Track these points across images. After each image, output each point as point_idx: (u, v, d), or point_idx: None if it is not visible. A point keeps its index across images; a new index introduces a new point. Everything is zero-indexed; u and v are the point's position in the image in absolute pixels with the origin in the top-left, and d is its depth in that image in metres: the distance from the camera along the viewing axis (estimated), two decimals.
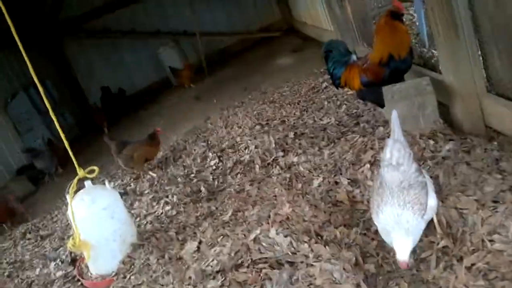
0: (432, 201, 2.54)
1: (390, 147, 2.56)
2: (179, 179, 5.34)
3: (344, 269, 2.73)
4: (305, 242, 2.98)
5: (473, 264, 2.35)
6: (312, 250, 2.88)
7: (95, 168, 3.90)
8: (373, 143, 3.88)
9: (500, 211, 2.55)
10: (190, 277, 3.11)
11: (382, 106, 4.19)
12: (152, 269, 3.49)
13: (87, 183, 4.03)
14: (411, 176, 2.50)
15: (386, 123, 4.16)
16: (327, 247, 2.89)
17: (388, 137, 3.84)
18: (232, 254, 3.07)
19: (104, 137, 6.68)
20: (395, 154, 2.54)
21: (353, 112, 4.99)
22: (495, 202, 2.64)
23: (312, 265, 2.74)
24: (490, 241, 2.41)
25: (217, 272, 3.00)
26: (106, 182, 4.03)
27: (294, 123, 5.41)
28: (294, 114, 5.76)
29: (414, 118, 3.69)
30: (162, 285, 3.23)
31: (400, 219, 2.44)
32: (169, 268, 3.36)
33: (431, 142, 3.50)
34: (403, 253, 2.40)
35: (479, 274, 2.27)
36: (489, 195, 2.73)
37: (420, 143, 3.52)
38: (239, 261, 2.97)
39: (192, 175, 5.37)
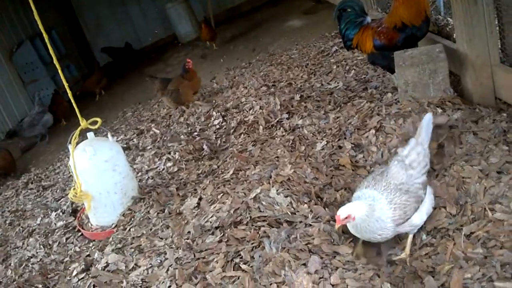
0: (418, 219, 2.45)
1: (411, 146, 2.52)
2: (182, 137, 5.32)
3: (342, 231, 2.75)
4: (305, 203, 2.99)
5: (472, 232, 2.35)
6: (311, 211, 2.89)
7: (98, 119, 3.87)
8: (380, 109, 3.82)
9: (503, 182, 2.53)
10: (189, 232, 3.13)
11: (392, 71, 4.10)
12: (152, 223, 3.52)
13: (90, 135, 4.01)
14: (414, 184, 2.44)
15: (395, 89, 4.08)
16: (326, 209, 2.90)
17: (396, 103, 3.83)
18: (232, 212, 3.08)
19: (146, 78, 6.69)
20: (413, 155, 2.49)
21: (362, 77, 4.91)
22: (499, 173, 2.61)
23: (311, 225, 2.75)
24: (491, 210, 2.40)
25: (216, 228, 3.02)
26: (109, 135, 4.01)
27: (301, 86, 5.33)
28: (302, 77, 5.67)
29: (424, 86, 3.62)
30: (161, 238, 3.26)
31: (376, 203, 2.37)
32: (168, 222, 3.39)
33: (439, 110, 3.43)
34: (345, 209, 2.32)
35: (478, 242, 2.26)
36: (493, 166, 2.70)
37: (427, 111, 3.46)
38: (238, 219, 2.98)
39: (195, 133, 5.35)
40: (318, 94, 4.80)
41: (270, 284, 2.36)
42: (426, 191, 2.49)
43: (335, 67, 5.54)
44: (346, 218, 2.33)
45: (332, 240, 2.60)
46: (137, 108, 8.10)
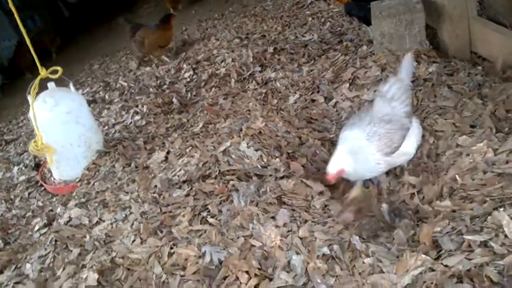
0: (409, 147, 2.46)
1: (391, 83, 2.47)
2: (150, 90, 5.12)
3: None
4: (276, 157, 2.90)
5: (442, 186, 2.32)
6: (283, 165, 2.81)
7: (59, 68, 3.63)
8: (355, 61, 3.72)
9: (476, 135, 2.49)
10: (155, 186, 3.02)
11: (369, 23, 3.96)
12: (117, 177, 3.39)
13: (50, 85, 3.77)
14: (396, 114, 2.42)
15: (370, 42, 3.96)
16: (296, 162, 2.82)
17: (371, 55, 3.73)
18: (200, 165, 2.97)
19: (119, 18, 6.39)
20: (393, 90, 2.45)
21: (337, 30, 4.76)
22: (472, 126, 2.57)
23: (281, 178, 2.68)
24: (462, 164, 2.36)
25: (184, 182, 2.91)
26: (71, 85, 3.79)
27: (274, 38, 5.15)
28: (276, 29, 5.48)
29: (400, 38, 3.51)
30: (127, 192, 3.14)
31: (356, 141, 2.36)
32: (134, 176, 3.26)
33: (414, 63, 3.34)
34: (334, 165, 2.35)
35: (448, 195, 2.24)
36: (467, 119, 2.66)
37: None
38: (207, 172, 2.88)
39: (165, 86, 5.15)
40: (292, 47, 4.65)
41: (238, 238, 2.29)
42: (412, 120, 2.50)
43: (310, 19, 5.36)
44: (337, 174, 2.36)
45: (304, 194, 2.54)
46: (104, 61, 7.76)
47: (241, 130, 3.22)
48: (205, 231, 2.44)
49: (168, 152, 3.39)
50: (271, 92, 3.89)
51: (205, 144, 3.20)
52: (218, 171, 2.83)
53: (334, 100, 3.50)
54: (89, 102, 5.54)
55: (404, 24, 3.45)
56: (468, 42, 3.52)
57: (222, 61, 4.96)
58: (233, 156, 2.91)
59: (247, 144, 3.01)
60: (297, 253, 2.11)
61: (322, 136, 3.11)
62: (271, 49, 4.66)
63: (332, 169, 2.36)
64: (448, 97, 2.89)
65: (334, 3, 5.58)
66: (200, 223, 2.51)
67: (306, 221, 2.29)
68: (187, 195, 2.79)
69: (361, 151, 2.34)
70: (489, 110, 2.64)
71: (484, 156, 2.30)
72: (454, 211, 2.11)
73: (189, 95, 4.70)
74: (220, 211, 2.54)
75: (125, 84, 5.66)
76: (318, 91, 3.65)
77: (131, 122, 4.52)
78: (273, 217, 2.34)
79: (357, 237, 2.06)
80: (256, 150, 2.94)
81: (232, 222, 2.40)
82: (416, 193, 2.39)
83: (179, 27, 7.59)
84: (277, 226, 2.25)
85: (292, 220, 2.30)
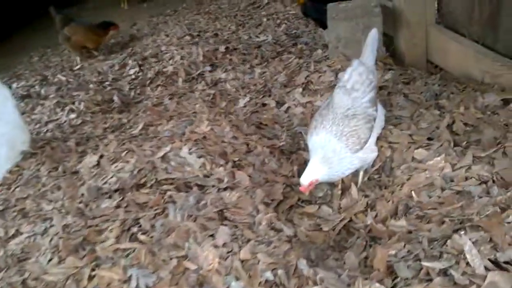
0: (375, 139, 2.31)
1: (352, 68, 2.25)
2: (91, 86, 4.71)
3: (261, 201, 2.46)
4: (221, 165, 2.63)
5: (397, 202, 2.13)
6: (227, 174, 2.54)
7: None
8: (309, 65, 3.52)
9: (433, 149, 2.33)
10: (82, 194, 2.67)
11: (325, 26, 3.78)
12: (42, 182, 3.00)
13: None
14: (361, 105, 2.22)
15: (326, 47, 3.79)
16: (242, 171, 2.57)
17: (326, 60, 3.54)
18: (135, 172, 2.65)
19: (51, 8, 5.87)
20: (354, 77, 2.23)
21: (293, 32, 4.57)
22: (429, 139, 2.42)
23: (225, 189, 2.41)
24: (418, 179, 2.19)
25: (115, 191, 2.58)
26: None
27: (227, 37, 4.89)
28: (229, 28, 5.22)
29: (356, 43, 3.33)
30: (50, 201, 2.77)
31: (328, 146, 2.16)
32: (60, 182, 2.89)
33: (380, 38, 3.18)
34: (306, 177, 2.16)
35: (403, 214, 2.05)
36: (423, 131, 2.50)
37: None
38: (142, 180, 2.57)
39: (107, 82, 4.75)
40: (245, 47, 4.41)
41: (170, 259, 2.00)
42: (377, 107, 2.32)
43: (265, 20, 5.15)
44: (310, 185, 2.18)
45: (249, 209, 2.28)
46: (45, 53, 7.20)
47: (183, 134, 2.93)
48: (133, 250, 2.12)
49: (101, 156, 3.04)
50: (220, 94, 3.62)
51: (143, 148, 2.88)
52: (154, 180, 2.53)
53: (286, 105, 3.27)
54: (23, 97, 5.06)
55: (361, 28, 3.28)
56: (424, 51, 3.41)
57: (170, 58, 4.64)
58: (173, 163, 2.61)
59: (189, 149, 2.72)
60: (237, 279, 1.84)
61: (271, 144, 2.87)
62: (222, 48, 4.40)
63: (305, 180, 2.16)
64: (404, 106, 2.73)
65: (290, 4, 5.40)
66: (129, 240, 2.20)
67: (249, 240, 2.03)
68: (117, 206, 2.46)
69: (334, 155, 2.16)
70: (446, 122, 2.49)
71: (441, 171, 2.13)
72: (410, 232, 1.92)
73: (132, 93, 4.35)
74: (153, 226, 2.23)
75: (64, 78, 5.20)
76: (270, 95, 3.43)
77: (65, 121, 4.10)
78: (212, 235, 2.06)
79: (304, 261, 1.82)
80: (199, 157, 2.66)
81: (166, 240, 2.10)
82: (369, 210, 2.19)
83: (128, 21, 7.18)
84: (216, 246, 1.98)
85: (233, 239, 2.03)
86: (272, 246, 1.99)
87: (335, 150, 2.16)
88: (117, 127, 3.63)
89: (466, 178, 2.07)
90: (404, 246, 1.81)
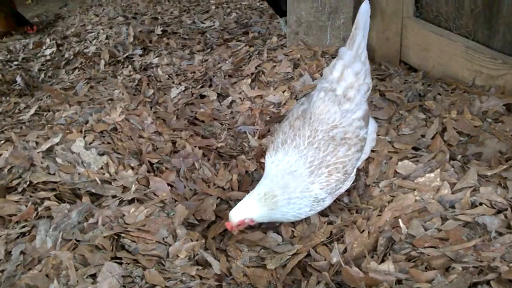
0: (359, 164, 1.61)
1: (345, 62, 1.52)
2: None
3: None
4: (131, 167, 1.88)
5: (377, 235, 1.48)
6: (137, 181, 1.79)
7: None
8: (261, 53, 2.86)
9: (422, 162, 1.71)
10: None
11: (282, 14, 3.16)
12: None
13: None
14: (351, 123, 1.50)
15: (281, 36, 3.16)
16: (162, 177, 1.83)
17: (282, 48, 2.89)
18: (5, 170, 1.84)
19: None
20: (349, 78, 1.51)
21: (244, 21, 3.92)
22: (415, 149, 1.81)
23: (130, 202, 1.66)
24: (404, 202, 1.56)
25: None
26: None
27: (167, 21, 4.15)
28: (172, 13, 4.48)
29: (320, 29, 2.73)
30: None
31: (285, 179, 1.46)
32: None
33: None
34: (237, 214, 1.46)
35: (389, 255, 1.40)
36: (407, 138, 1.90)
37: (321, 61, 2.58)
38: (13, 182, 1.76)
39: (15, 62, 3.87)
40: (187, 32, 3.70)
41: None
42: (369, 125, 1.61)
43: (213, 7, 4.47)
44: (240, 225, 1.47)
45: (161, 235, 1.53)
46: None
47: (86, 122, 2.15)
48: None
49: None
50: (147, 80, 2.87)
51: (27, 139, 2.06)
52: (28, 182, 1.73)
53: (229, 99, 2.59)
54: None
55: (327, 11, 2.68)
56: (398, 48, 2.86)
57: (94, 38, 3.83)
58: (59, 160, 1.82)
59: (89, 143, 1.95)
60: None
61: (206, 144, 2.16)
62: (159, 31, 3.67)
63: (235, 217, 1.46)
64: (380, 106, 2.13)
65: None
66: None
67: (153, 286, 1.29)
68: None
69: (283, 193, 1.44)
70: (434, 129, 1.90)
71: (436, 193, 1.52)
72: (400, 281, 1.26)
73: (42, 75, 3.51)
74: (9, 253, 1.44)
75: None
76: (211, 85, 2.72)
77: None
78: (94, 275, 1.30)
79: None
80: (101, 155, 1.89)
81: (22, 278, 1.32)
82: (335, 242, 1.52)
83: (60, 2, 6.26)
84: None
85: (127, 283, 1.29)
86: None
87: (297, 187, 1.45)
88: (10, 113, 2.79)
89: (474, 204, 1.46)
90: None
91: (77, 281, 1.27)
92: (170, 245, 1.49)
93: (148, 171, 1.90)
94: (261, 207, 1.44)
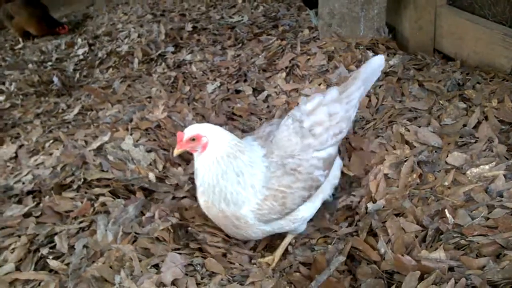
0: (306, 211, 1.58)
1: (321, 101, 1.56)
2: (29, 65, 3.92)
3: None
4: (178, 164, 1.95)
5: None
6: (188, 177, 1.86)
7: None
8: (294, 47, 2.88)
9: (473, 152, 1.71)
10: None
11: (311, 5, 3.17)
12: None
13: None
14: (309, 160, 1.51)
15: (312, 28, 3.17)
16: None
17: (316, 41, 2.91)
18: (58, 168, 1.93)
19: None
20: (319, 115, 1.55)
21: (272, 15, 3.92)
22: (461, 137, 1.82)
23: (182, 198, 1.73)
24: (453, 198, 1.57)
25: (28, 193, 1.85)
26: None
27: (196, 17, 4.20)
28: (199, 8, 4.53)
29: (353, 20, 2.74)
30: None
31: (231, 197, 1.44)
32: None
33: (370, 53, 2.59)
34: (193, 128, 1.49)
35: (435, 241, 1.43)
36: (449, 128, 1.90)
37: (355, 53, 2.60)
38: (66, 180, 1.85)
39: (49, 62, 3.99)
40: (217, 27, 3.74)
41: None
42: (330, 171, 1.59)
43: (240, 1, 4.48)
44: (193, 140, 1.45)
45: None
46: None
47: (131, 120, 2.22)
48: (39, 284, 1.41)
49: (20, 146, 2.30)
50: (183, 77, 2.94)
51: (74, 138, 2.15)
52: (83, 180, 1.81)
53: (265, 93, 2.63)
54: None
55: (360, 2, 2.68)
56: (432, 37, 2.84)
57: (126, 37, 3.91)
58: (111, 158, 1.90)
59: (136, 140, 2.02)
60: None
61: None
62: (189, 27, 3.72)
63: (190, 130, 1.48)
64: (420, 96, 2.13)
65: None
66: (35, 267, 1.49)
67: (213, 275, 1.35)
68: (28, 214, 1.74)
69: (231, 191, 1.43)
70: (476, 118, 1.90)
71: (490, 182, 1.53)
72: (452, 268, 1.29)
73: (77, 75, 3.60)
74: (72, 247, 1.53)
75: None
76: (245, 80, 2.77)
77: None
78: (157, 266, 1.37)
79: None
80: (149, 151, 1.96)
81: (88, 270, 1.40)
82: (380, 236, 1.55)
83: (86, 1, 6.38)
84: (161, 284, 1.30)
85: (189, 272, 1.35)
86: (248, 283, 1.33)
87: (233, 201, 1.43)
88: (50, 113, 2.89)
89: None
90: None
91: (141, 271, 1.34)
92: (228, 241, 1.56)
93: None
94: (223, 138, 1.47)
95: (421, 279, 1.29)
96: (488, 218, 1.42)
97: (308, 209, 1.58)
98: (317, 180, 1.52)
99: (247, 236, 1.50)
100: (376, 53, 2.58)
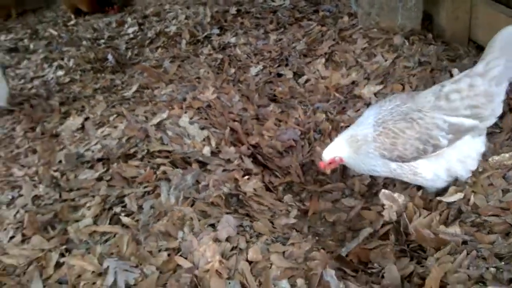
0: (427, 172, 1.72)
1: (466, 73, 1.64)
2: (84, 42, 4.23)
3: (270, 181, 2.05)
4: (231, 143, 2.20)
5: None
6: (238, 155, 2.11)
7: None
8: (334, 33, 3.06)
9: (497, 141, 1.89)
10: (60, 161, 2.24)
11: None
12: (15, 143, 2.57)
13: None
14: (433, 119, 1.64)
15: (352, 15, 3.32)
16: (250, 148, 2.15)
17: (354, 28, 3.07)
18: (124, 140, 2.22)
19: None
20: (461, 84, 1.61)
21: None
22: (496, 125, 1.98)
23: (232, 171, 1.99)
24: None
25: (99, 160, 2.16)
26: None
27: (239, 0, 4.38)
28: None
29: (391, 10, 2.87)
30: (23, 166, 2.34)
31: (363, 126, 1.74)
32: (37, 145, 2.46)
33: (406, 42, 2.74)
34: (329, 152, 1.77)
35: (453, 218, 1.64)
36: None
37: (393, 40, 2.75)
38: (131, 151, 2.14)
39: (102, 40, 4.28)
40: (259, 11, 3.92)
41: (159, 251, 1.59)
42: (457, 140, 1.66)
43: None
44: (331, 163, 1.77)
45: (269, 203, 1.86)
46: (40, 7, 6.65)
47: (184, 99, 2.49)
48: (114, 235, 1.71)
49: (86, 119, 2.60)
50: (228, 60, 3.17)
51: (136, 113, 2.44)
52: (146, 151, 2.09)
53: (305, 77, 2.83)
54: (9, 50, 4.60)
55: None
56: (467, 27, 2.95)
57: (173, 18, 4.15)
58: (170, 133, 2.18)
59: (190, 118, 2.28)
60: (243, 285, 1.43)
61: (283, 116, 2.44)
62: (233, 10, 3.91)
63: (326, 155, 1.77)
64: None
65: None
66: (110, 222, 1.78)
67: (260, 235, 1.61)
68: (99, 178, 2.04)
69: (362, 142, 1.71)
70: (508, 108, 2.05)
71: (509, 170, 1.71)
72: (465, 242, 1.50)
73: (129, 53, 3.88)
74: (140, 207, 1.81)
75: (55, 33, 4.71)
76: (287, 64, 2.98)
77: (52, 78, 3.65)
78: (213, 225, 1.64)
79: (333, 272, 1.40)
80: (202, 129, 2.22)
81: (155, 226, 1.68)
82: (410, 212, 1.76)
83: None
84: (217, 240, 1.56)
85: (240, 231, 1.62)
86: (290, 245, 1.58)
87: (366, 136, 1.71)
88: (108, 89, 3.19)
89: None
90: (461, 265, 1.39)
91: (200, 229, 1.61)
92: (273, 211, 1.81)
93: (241, 143, 2.21)
94: (348, 148, 1.73)
95: (437, 250, 1.51)
96: (501, 201, 1.61)
97: (426, 169, 1.71)
98: (435, 138, 1.64)
99: (376, 171, 1.76)
100: (412, 43, 2.73)
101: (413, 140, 1.65)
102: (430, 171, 1.71)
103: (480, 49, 2.82)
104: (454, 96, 1.62)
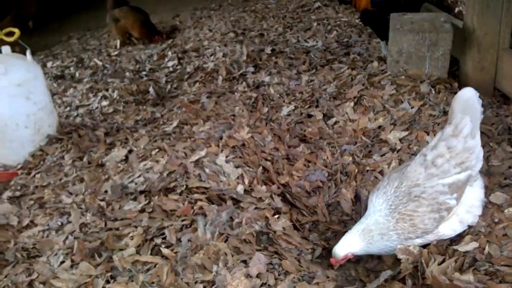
0: (447, 229, 1.87)
1: (441, 137, 1.83)
2: (127, 74, 4.53)
3: (297, 220, 2.20)
4: (264, 182, 2.37)
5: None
6: (269, 194, 2.27)
7: (16, 30, 3.04)
8: (363, 78, 3.22)
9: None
10: (106, 191, 2.45)
11: (383, 37, 3.49)
12: (64, 171, 2.80)
13: (5, 49, 3.15)
14: (434, 187, 1.81)
15: (381, 60, 3.49)
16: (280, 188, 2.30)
17: (383, 74, 3.23)
18: (165, 174, 2.42)
19: None
20: (440, 149, 1.80)
21: (344, 40, 4.27)
22: (505, 178, 2.09)
23: (263, 209, 2.15)
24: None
25: (141, 192, 2.36)
26: (28, 53, 3.16)
27: (274, 39, 4.62)
28: (276, 29, 4.95)
29: (419, 59, 3.03)
30: (70, 194, 2.56)
31: (375, 216, 1.87)
32: (84, 174, 2.68)
33: (433, 91, 2.88)
34: (342, 249, 1.87)
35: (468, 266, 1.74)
36: (495, 169, 2.18)
37: (420, 88, 2.90)
38: (171, 185, 2.33)
39: (144, 72, 4.56)
40: (293, 51, 4.13)
41: (195, 283, 1.75)
42: (460, 195, 1.82)
43: (315, 24, 4.85)
44: (344, 259, 1.88)
45: (284, 231, 2.01)
46: (84, 35, 7.10)
47: (221, 138, 2.68)
48: (155, 265, 1.88)
49: (130, 151, 2.83)
50: (262, 98, 3.36)
51: (176, 149, 2.64)
52: (185, 186, 2.28)
53: (333, 119, 2.99)
54: (56, 78, 4.94)
55: (427, 43, 2.97)
56: (493, 77, 3.07)
57: (211, 55, 4.41)
58: (207, 170, 2.36)
59: (226, 157, 2.47)
60: None
61: (312, 157, 2.60)
62: (268, 50, 4.14)
63: (338, 253, 1.87)
64: None
65: (343, 11, 5.11)
66: (151, 253, 1.96)
67: (287, 273, 1.76)
68: (142, 210, 2.23)
69: (376, 229, 1.85)
70: None
71: None
72: None
73: (168, 86, 4.14)
74: (179, 240, 1.99)
75: (100, 63, 5.04)
76: (317, 106, 3.14)
77: (97, 107, 3.93)
78: (244, 261, 1.80)
79: None
80: (236, 167, 2.40)
81: (192, 259, 1.85)
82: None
83: (171, 12, 7.02)
84: (248, 276, 1.72)
85: (270, 269, 1.77)
86: (314, 283, 1.72)
87: (382, 226, 1.84)
88: (149, 121, 3.42)
89: None
90: None
91: (233, 264, 1.77)
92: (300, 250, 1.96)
93: (272, 182, 2.38)
94: (360, 242, 1.84)
95: None
96: None
97: (445, 228, 1.85)
98: (445, 203, 1.80)
99: (395, 249, 1.86)
100: (438, 92, 2.87)
101: (428, 214, 1.80)
102: (449, 229, 1.86)
103: (505, 97, 2.94)
104: (440, 161, 1.79)
